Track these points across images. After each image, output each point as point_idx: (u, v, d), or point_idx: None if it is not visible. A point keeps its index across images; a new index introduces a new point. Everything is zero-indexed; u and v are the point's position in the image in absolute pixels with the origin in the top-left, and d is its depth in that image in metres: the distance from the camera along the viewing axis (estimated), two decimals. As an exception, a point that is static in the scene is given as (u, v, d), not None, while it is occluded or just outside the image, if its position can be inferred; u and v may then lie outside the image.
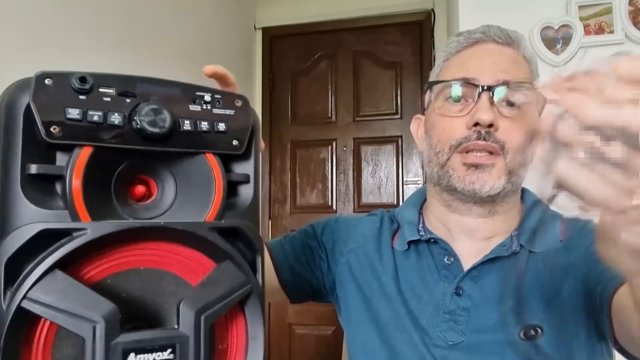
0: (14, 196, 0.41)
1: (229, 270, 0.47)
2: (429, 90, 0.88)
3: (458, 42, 0.85)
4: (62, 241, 0.41)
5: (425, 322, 0.81)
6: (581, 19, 1.71)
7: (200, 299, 0.45)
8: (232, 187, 0.50)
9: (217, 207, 0.47)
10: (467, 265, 0.83)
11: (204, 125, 0.47)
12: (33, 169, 0.41)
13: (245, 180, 0.50)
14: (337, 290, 0.93)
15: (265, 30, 3.23)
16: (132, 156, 0.46)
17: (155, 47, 2.20)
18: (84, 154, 0.42)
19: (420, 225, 0.89)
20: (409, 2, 2.90)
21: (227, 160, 0.49)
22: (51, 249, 0.41)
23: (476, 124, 0.77)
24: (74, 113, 0.42)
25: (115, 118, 0.43)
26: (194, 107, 0.47)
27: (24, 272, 0.40)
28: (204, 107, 0.47)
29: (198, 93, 0.48)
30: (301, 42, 3.18)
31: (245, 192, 0.50)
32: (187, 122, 0.46)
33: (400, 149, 2.97)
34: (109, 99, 0.43)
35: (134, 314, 0.46)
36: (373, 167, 3.02)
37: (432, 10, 2.86)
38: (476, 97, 0.78)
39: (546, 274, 0.78)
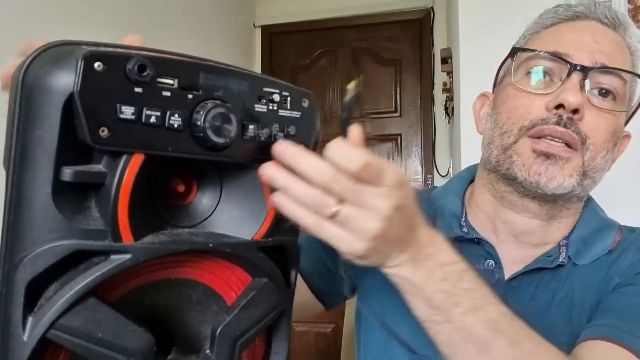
0: (43, 206, 0.33)
1: (267, 290, 0.43)
2: (510, 59, 0.73)
3: (555, 13, 0.71)
4: (97, 261, 0.35)
5: None
6: (581, 16, 1.60)
7: (238, 326, 0.41)
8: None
9: (268, 225, 0.41)
10: (508, 272, 0.71)
11: (266, 133, 0.39)
12: (68, 175, 0.33)
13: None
14: (362, 281, 0.80)
15: (265, 28, 3.02)
16: (180, 163, 0.38)
17: (154, 44, 1.95)
18: (134, 163, 0.34)
19: (463, 219, 0.75)
20: (408, 0, 2.78)
21: (283, 170, 0.42)
22: (83, 270, 0.34)
23: (559, 107, 0.64)
24: (128, 112, 0.33)
25: (175, 120, 0.35)
26: (259, 107, 0.39)
27: (49, 296, 0.34)
28: (270, 107, 0.40)
29: (266, 89, 0.40)
30: (301, 39, 2.97)
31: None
32: (251, 127, 0.38)
33: (399, 147, 2.87)
34: (168, 94, 0.35)
35: (162, 325, 0.41)
36: (373, 165, 2.95)
37: (432, 7, 2.76)
38: (565, 76, 0.65)
39: (578, 295, 0.68)
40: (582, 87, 0.64)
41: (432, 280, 0.48)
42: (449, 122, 2.47)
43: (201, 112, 0.35)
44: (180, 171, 0.41)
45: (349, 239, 0.43)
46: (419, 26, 2.85)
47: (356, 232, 0.42)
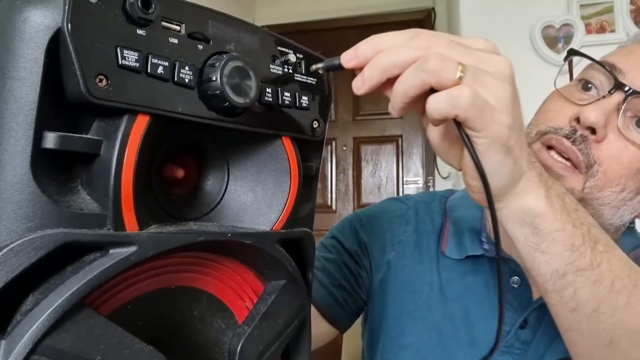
0: (18, 181, 0.24)
1: (288, 293, 0.36)
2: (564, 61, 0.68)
3: (637, 35, 0.66)
4: (91, 258, 0.26)
5: (479, 354, 0.63)
6: (582, 17, 1.68)
7: (261, 339, 0.33)
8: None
9: (289, 212, 0.34)
10: (536, 291, 0.63)
11: (287, 98, 0.33)
12: (52, 140, 0.25)
13: (315, 175, 0.38)
14: (369, 304, 0.75)
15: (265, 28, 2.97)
16: (189, 130, 0.31)
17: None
18: (139, 125, 0.26)
19: (484, 235, 0.67)
20: (409, 0, 2.76)
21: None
22: (73, 272, 0.26)
23: (578, 120, 0.57)
24: (131, 58, 0.26)
25: (185, 74, 0.28)
26: (275, 69, 0.33)
27: (27, 309, 0.25)
28: (286, 69, 0.34)
29: (280, 48, 0.34)
30: (300, 40, 2.91)
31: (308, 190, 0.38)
32: (268, 90, 0.32)
33: (400, 149, 2.83)
34: (176, 41, 0.28)
35: (160, 345, 0.32)
36: (373, 166, 2.86)
37: (433, 8, 2.74)
38: (606, 91, 0.58)
39: None
40: (619, 109, 0.56)
41: (569, 209, 0.39)
42: (449, 124, 2.52)
43: (217, 65, 0.29)
44: (176, 153, 0.33)
45: (490, 84, 0.36)
46: (420, 27, 2.90)
47: (492, 75, 0.36)
